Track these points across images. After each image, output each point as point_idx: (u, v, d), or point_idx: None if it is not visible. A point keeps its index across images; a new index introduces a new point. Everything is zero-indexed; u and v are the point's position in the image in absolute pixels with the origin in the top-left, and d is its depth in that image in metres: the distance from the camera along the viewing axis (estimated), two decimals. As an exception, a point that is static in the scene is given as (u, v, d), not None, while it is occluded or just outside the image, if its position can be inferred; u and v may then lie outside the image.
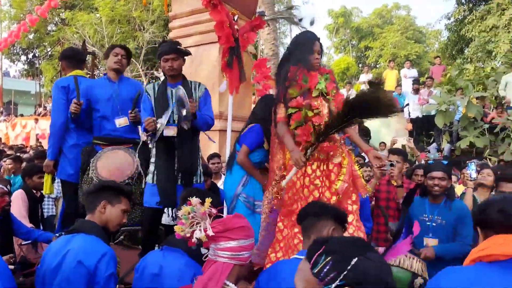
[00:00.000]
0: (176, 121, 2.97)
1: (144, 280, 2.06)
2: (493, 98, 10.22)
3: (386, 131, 11.36)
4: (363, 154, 7.77)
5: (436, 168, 3.08)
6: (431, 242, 2.96)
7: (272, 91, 4.66)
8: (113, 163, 3.24)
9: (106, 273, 1.87)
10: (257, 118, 3.26)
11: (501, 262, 1.37)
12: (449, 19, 16.98)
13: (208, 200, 1.78)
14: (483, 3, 15.06)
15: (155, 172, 3.03)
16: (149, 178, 3.08)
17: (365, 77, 13.52)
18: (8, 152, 7.68)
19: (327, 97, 2.68)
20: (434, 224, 3.02)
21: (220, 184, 4.48)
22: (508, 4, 12.91)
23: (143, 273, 2.08)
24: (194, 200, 1.77)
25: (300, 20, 3.56)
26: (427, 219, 3.05)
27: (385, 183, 3.81)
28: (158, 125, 2.92)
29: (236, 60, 3.32)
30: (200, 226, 1.72)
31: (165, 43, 3.23)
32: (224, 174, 4.84)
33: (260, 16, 3.85)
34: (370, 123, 11.50)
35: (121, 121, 3.35)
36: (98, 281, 1.86)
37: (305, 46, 2.76)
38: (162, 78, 3.24)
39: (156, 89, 3.10)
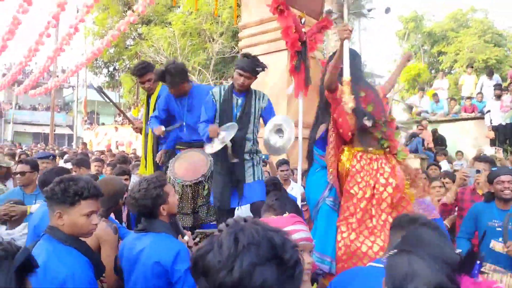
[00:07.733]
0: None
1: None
2: None
3: (465, 139, 10.55)
4: (440, 163, 7.34)
5: (503, 172, 3.04)
6: (498, 245, 2.88)
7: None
8: (188, 163, 3.57)
9: (184, 268, 1.96)
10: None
11: None
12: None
13: None
14: None
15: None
16: None
17: (439, 83, 12.82)
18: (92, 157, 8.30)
19: None
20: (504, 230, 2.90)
21: (289, 191, 4.47)
22: None
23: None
24: None
25: (370, 10, 3.54)
26: (496, 224, 2.96)
27: (469, 192, 3.67)
28: (220, 137, 3.09)
29: (303, 64, 3.35)
30: None
31: (246, 58, 3.25)
32: (293, 181, 4.84)
33: (327, 15, 3.78)
34: (446, 131, 10.64)
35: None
36: (178, 276, 1.97)
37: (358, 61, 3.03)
38: None
39: (222, 94, 3.25)
